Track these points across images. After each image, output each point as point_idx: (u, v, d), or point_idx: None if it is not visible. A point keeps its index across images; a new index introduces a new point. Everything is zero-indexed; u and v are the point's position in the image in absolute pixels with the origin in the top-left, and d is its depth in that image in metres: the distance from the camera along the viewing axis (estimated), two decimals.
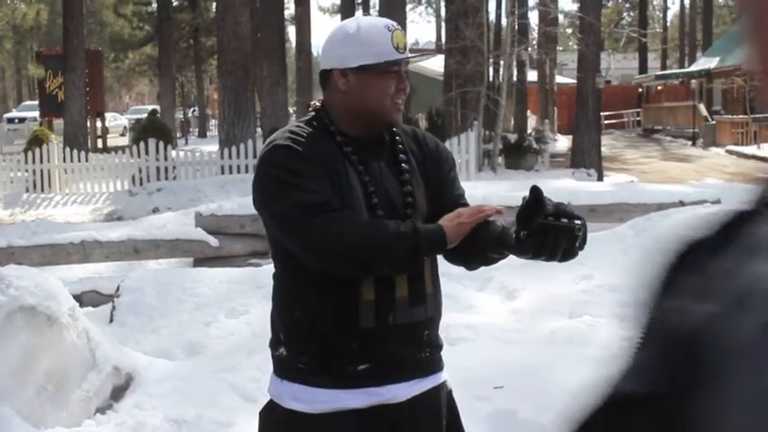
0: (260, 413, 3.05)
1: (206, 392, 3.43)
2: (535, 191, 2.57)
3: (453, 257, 2.99)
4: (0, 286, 4.93)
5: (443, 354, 3.03)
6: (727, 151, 32.45)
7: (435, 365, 3.02)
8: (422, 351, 2.95)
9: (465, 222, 2.76)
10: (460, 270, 3.21)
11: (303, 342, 2.90)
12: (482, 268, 3.10)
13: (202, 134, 45.74)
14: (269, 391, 3.01)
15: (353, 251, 2.74)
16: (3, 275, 4.99)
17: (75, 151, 21.76)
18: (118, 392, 5.24)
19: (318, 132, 2.92)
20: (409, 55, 3.00)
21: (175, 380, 5.18)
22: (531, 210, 2.55)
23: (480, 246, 2.83)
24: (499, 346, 5.34)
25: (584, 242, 2.58)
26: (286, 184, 2.78)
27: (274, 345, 2.99)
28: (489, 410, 4.79)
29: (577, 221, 2.57)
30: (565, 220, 2.56)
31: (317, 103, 3.04)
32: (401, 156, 3.03)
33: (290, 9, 35.14)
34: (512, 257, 2.77)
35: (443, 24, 33.34)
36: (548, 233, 2.54)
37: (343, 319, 2.85)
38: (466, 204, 3.02)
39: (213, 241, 8.23)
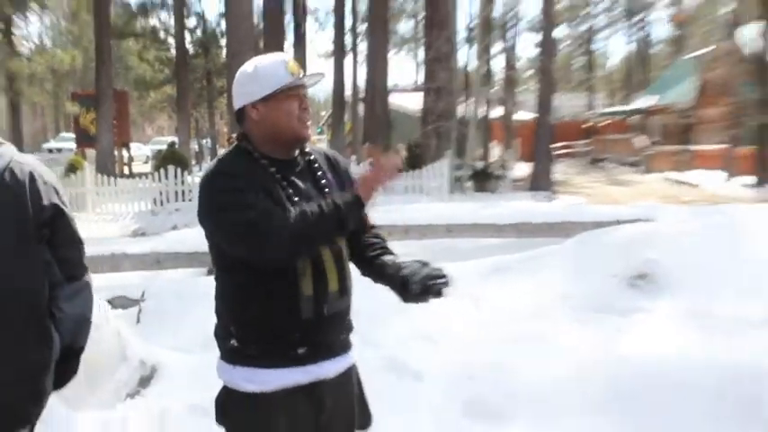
0: (216, 400, 3.10)
1: (219, 382, 3.45)
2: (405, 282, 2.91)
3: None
4: None
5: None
6: (666, 179, 32.53)
7: (350, 345, 3.17)
8: (344, 333, 3.11)
9: (370, 179, 2.85)
10: None
11: (253, 333, 2.97)
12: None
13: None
14: (222, 378, 3.06)
15: (297, 238, 2.79)
16: None
17: (106, 177, 21.70)
18: (144, 382, 5.24)
19: (244, 159, 2.98)
20: (305, 78, 3.04)
21: (193, 372, 5.20)
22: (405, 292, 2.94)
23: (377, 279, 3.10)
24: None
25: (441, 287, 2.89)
26: (229, 202, 2.83)
27: (224, 337, 3.04)
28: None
29: (440, 285, 2.88)
30: (433, 283, 2.87)
31: (234, 137, 3.11)
32: (319, 173, 3.12)
33: (290, 53, 35.08)
34: None
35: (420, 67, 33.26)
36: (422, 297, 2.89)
37: (288, 312, 2.91)
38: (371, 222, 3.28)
39: None
